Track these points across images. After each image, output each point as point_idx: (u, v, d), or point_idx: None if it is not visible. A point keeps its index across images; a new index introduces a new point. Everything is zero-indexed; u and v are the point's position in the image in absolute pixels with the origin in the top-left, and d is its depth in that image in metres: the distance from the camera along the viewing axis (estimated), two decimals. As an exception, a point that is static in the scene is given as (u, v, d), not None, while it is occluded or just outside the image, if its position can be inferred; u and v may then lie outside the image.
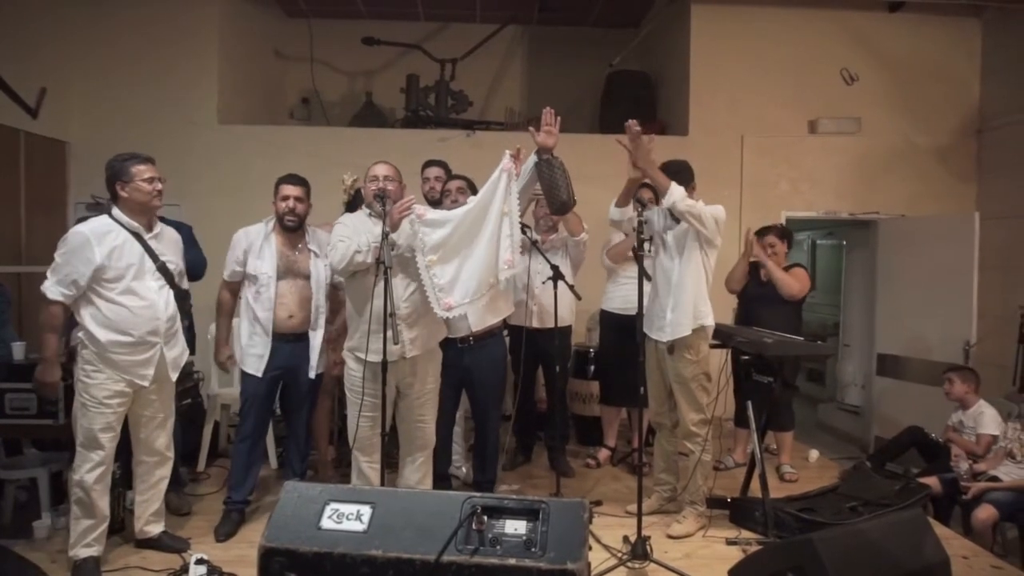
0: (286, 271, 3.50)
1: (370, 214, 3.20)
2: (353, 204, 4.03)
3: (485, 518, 1.71)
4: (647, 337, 3.56)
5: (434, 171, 4.06)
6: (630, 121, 3.29)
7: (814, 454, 4.99)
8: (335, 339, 3.79)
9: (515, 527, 1.72)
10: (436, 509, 1.76)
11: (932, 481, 4.01)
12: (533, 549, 1.67)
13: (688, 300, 3.46)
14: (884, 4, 6.05)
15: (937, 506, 4.06)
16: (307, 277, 3.55)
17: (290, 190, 3.51)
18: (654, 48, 7.00)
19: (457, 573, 1.65)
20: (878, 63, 6.11)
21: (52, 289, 2.88)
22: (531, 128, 3.07)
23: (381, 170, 3.17)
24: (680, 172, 3.50)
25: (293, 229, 3.53)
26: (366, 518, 1.74)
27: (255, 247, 3.49)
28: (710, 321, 3.51)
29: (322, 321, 3.60)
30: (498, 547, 1.68)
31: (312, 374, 3.58)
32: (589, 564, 1.79)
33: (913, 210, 5.95)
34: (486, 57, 6.98)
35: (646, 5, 6.85)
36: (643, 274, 3.28)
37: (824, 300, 7.62)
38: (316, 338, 3.58)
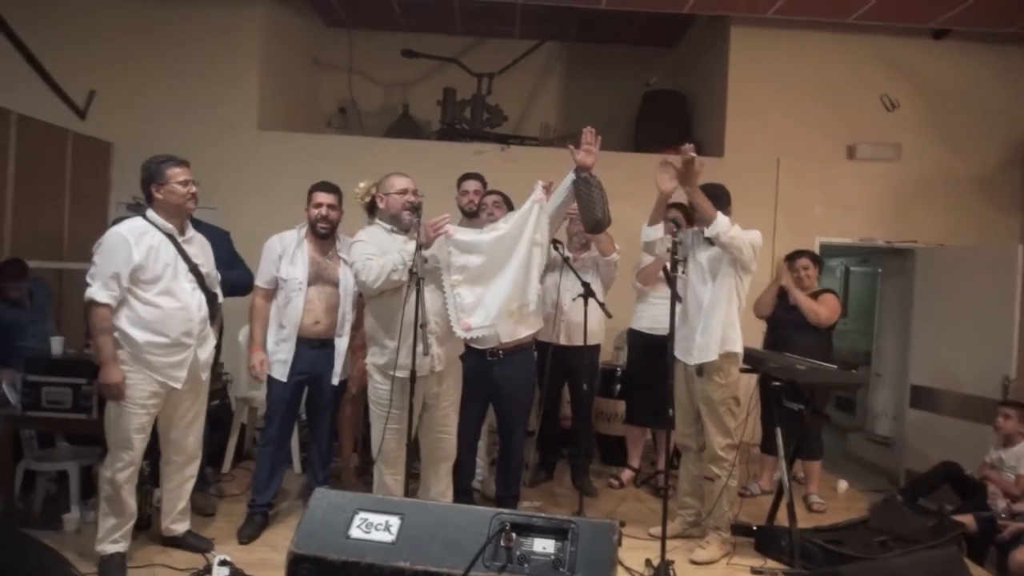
0: (316, 277, 3.54)
1: (391, 229, 3.16)
2: (372, 210, 4.06)
3: (514, 535, 1.70)
4: (676, 359, 3.53)
5: (472, 184, 4.07)
6: (687, 145, 3.29)
7: (843, 485, 4.89)
8: (361, 346, 3.81)
9: (544, 546, 1.70)
10: (465, 524, 1.75)
11: (967, 519, 3.89)
12: (561, 569, 1.65)
13: (717, 325, 3.42)
14: (928, 31, 5.97)
15: (972, 545, 3.93)
16: (336, 284, 3.58)
17: (323, 197, 3.55)
18: (691, 68, 6.98)
19: (484, 589, 1.64)
20: (919, 90, 6.03)
21: (99, 293, 2.91)
22: (571, 146, 3.07)
23: (406, 182, 3.15)
24: (718, 197, 3.47)
25: (325, 236, 3.57)
26: (395, 529, 1.74)
27: (288, 253, 3.53)
28: (738, 348, 3.47)
29: (348, 328, 3.62)
30: (526, 565, 1.67)
31: (336, 380, 3.59)
32: (617, 587, 1.77)
33: (951, 240, 5.84)
34: (523, 73, 7.02)
35: (684, 25, 6.84)
36: (675, 297, 3.25)
37: (856, 328, 7.49)
38: (341, 345, 3.60)
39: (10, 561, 2.29)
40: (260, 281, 3.61)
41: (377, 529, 1.74)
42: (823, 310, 4.33)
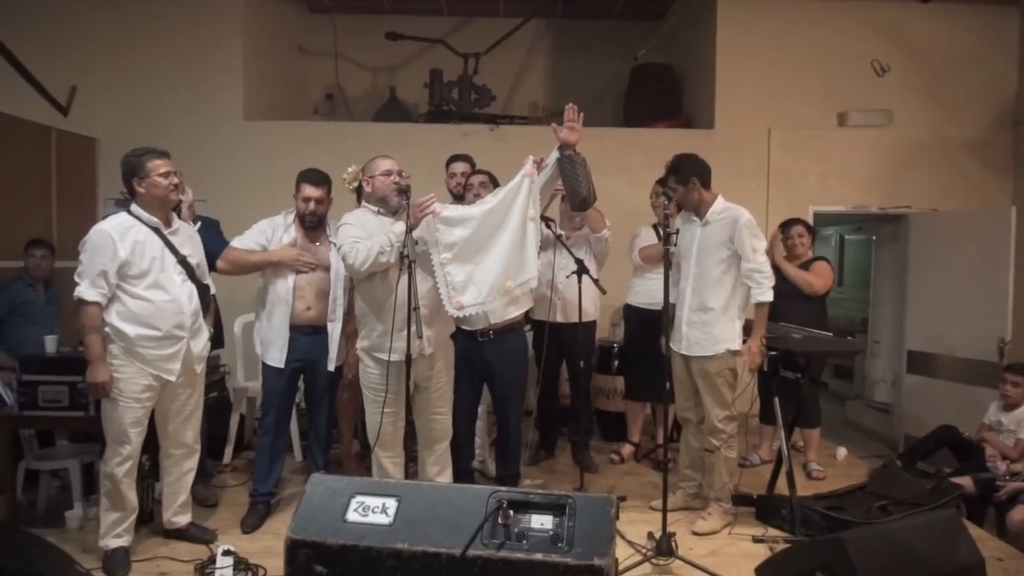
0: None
1: (378, 211, 3.14)
2: (361, 194, 4.04)
3: (511, 512, 1.70)
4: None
5: (460, 166, 4.04)
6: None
7: (842, 452, 4.91)
8: (355, 332, 3.80)
9: (541, 522, 1.70)
10: (462, 503, 1.75)
11: (965, 481, 3.92)
12: (560, 544, 1.65)
13: (712, 321, 3.43)
14: (915, -6, 5.92)
15: (971, 506, 3.96)
16: (326, 269, 3.56)
17: (311, 191, 3.51)
18: (679, 40, 6.91)
19: (483, 567, 1.64)
20: (910, 54, 5.98)
21: (87, 291, 2.89)
22: (554, 125, 3.04)
23: (390, 163, 3.12)
24: (679, 170, 3.47)
25: (313, 228, 3.56)
26: (392, 511, 1.74)
27: (276, 238, 3.51)
28: (736, 346, 3.46)
29: (340, 313, 3.60)
30: (524, 542, 1.67)
31: (331, 366, 3.58)
32: (616, 560, 1.77)
33: (945, 204, 5.82)
34: (509, 51, 6.95)
35: (671, -3, 6.78)
36: (668, 269, 3.24)
37: (852, 296, 7.49)
38: (335, 330, 3.58)
39: (15, 560, 2.30)
40: (240, 244, 3.51)
41: (374, 512, 1.74)
42: (816, 280, 4.33)
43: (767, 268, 3.39)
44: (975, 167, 5.95)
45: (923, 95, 5.97)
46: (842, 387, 7.35)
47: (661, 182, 4.18)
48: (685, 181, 3.48)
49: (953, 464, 4.37)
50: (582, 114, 3.03)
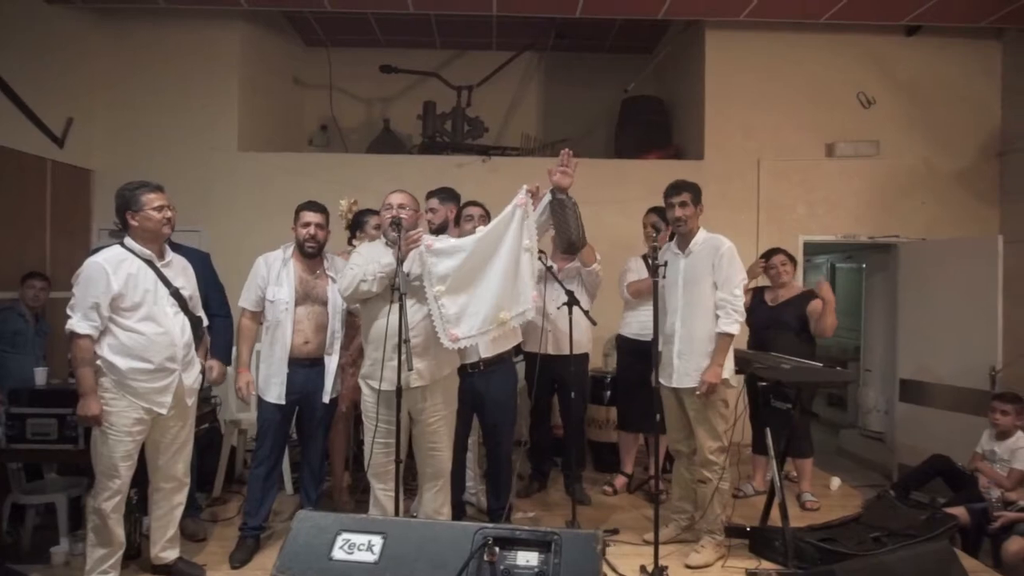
0: (304, 297, 3.53)
1: (387, 243, 3.21)
2: (354, 228, 4.06)
3: (497, 549, 1.69)
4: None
5: (431, 202, 4.04)
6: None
7: (836, 482, 4.90)
8: (350, 364, 3.80)
9: (527, 559, 1.69)
10: (448, 540, 1.74)
11: (960, 511, 3.90)
12: (546, 582, 1.65)
13: (699, 352, 3.43)
14: (901, 28, 6.04)
15: (965, 537, 3.95)
16: (324, 303, 3.57)
17: (311, 216, 3.55)
18: (669, 73, 7.03)
19: (469, 606, 1.63)
20: (896, 86, 6.09)
21: (80, 324, 2.90)
22: (549, 168, 3.09)
23: (396, 199, 3.18)
24: (694, 190, 3.52)
25: (313, 255, 3.57)
26: (377, 549, 1.73)
27: (274, 273, 3.53)
28: (728, 375, 3.46)
29: (337, 346, 3.61)
30: (510, 579, 1.66)
31: (326, 399, 3.59)
32: (603, 597, 1.76)
33: (933, 233, 5.89)
34: (502, 83, 7.06)
35: (660, 31, 6.90)
36: (657, 303, 3.27)
37: (844, 324, 7.50)
38: (331, 363, 3.59)
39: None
40: (246, 303, 3.59)
41: (360, 549, 1.73)
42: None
43: (739, 302, 3.39)
44: (962, 197, 6.02)
45: (910, 126, 6.07)
46: (836, 416, 7.35)
47: (655, 210, 4.24)
48: (697, 202, 3.52)
49: (947, 494, 4.36)
50: (576, 162, 3.08)
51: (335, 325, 3.59)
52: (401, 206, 3.14)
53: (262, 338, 3.59)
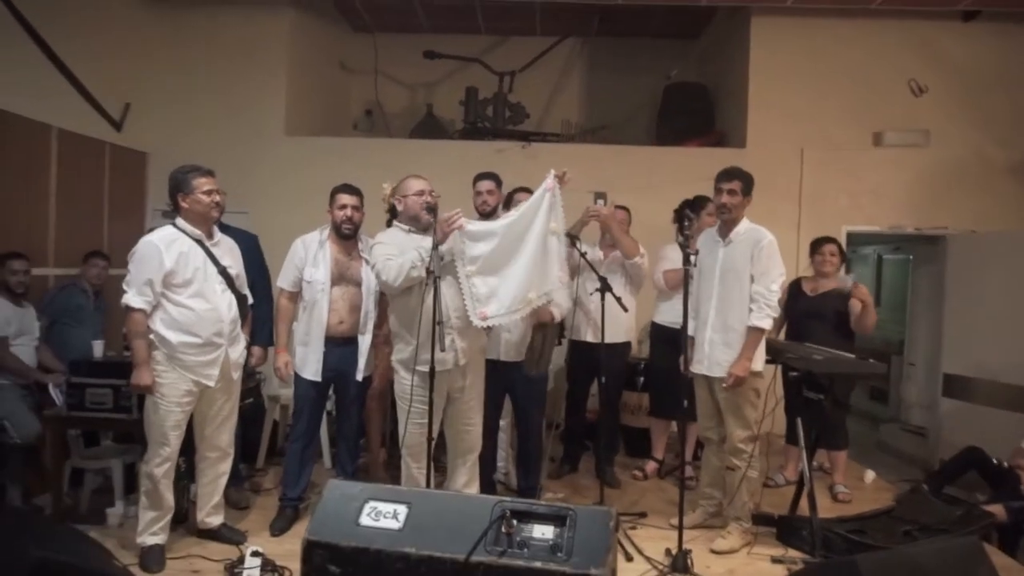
0: (339, 278, 3.63)
1: (409, 230, 3.25)
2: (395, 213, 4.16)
3: (514, 522, 1.77)
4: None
5: (486, 184, 4.10)
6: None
7: (870, 475, 4.84)
8: (385, 342, 3.90)
9: (543, 531, 1.77)
10: (468, 511, 1.83)
11: (997, 509, 3.84)
12: (559, 554, 1.72)
13: (735, 342, 3.44)
14: (957, 13, 5.85)
15: (1003, 535, 3.89)
16: (358, 284, 3.67)
17: (347, 199, 3.65)
18: (713, 59, 6.95)
19: (485, 573, 1.71)
20: (949, 73, 5.91)
21: (134, 299, 3.06)
22: None
23: (422, 184, 3.23)
24: (746, 178, 3.52)
25: (349, 237, 3.67)
26: (402, 517, 1.83)
27: (311, 255, 3.63)
28: (759, 367, 3.48)
29: (370, 326, 3.71)
30: (525, 550, 1.74)
31: (360, 376, 3.69)
32: (614, 571, 1.82)
33: (983, 226, 5.73)
34: (544, 69, 7.08)
35: (706, 17, 6.81)
36: (687, 294, 3.30)
37: (889, 317, 7.37)
38: (364, 343, 3.69)
39: (61, 553, 2.44)
40: (284, 283, 3.71)
41: (385, 517, 1.83)
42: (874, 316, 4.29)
43: (773, 298, 3.39)
44: (1015, 188, 5.84)
45: (962, 115, 5.89)
46: (877, 409, 7.23)
47: (689, 205, 4.24)
48: (747, 193, 3.51)
49: (987, 491, 4.28)
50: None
51: (368, 305, 3.69)
52: (431, 192, 3.21)
53: (299, 317, 3.71)
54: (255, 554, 3.07)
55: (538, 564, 1.70)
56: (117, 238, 5.50)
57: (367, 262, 3.66)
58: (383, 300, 3.82)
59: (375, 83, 7.22)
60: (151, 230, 3.33)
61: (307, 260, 3.63)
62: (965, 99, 5.90)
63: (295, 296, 3.70)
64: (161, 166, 5.92)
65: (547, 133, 6.70)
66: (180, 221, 3.21)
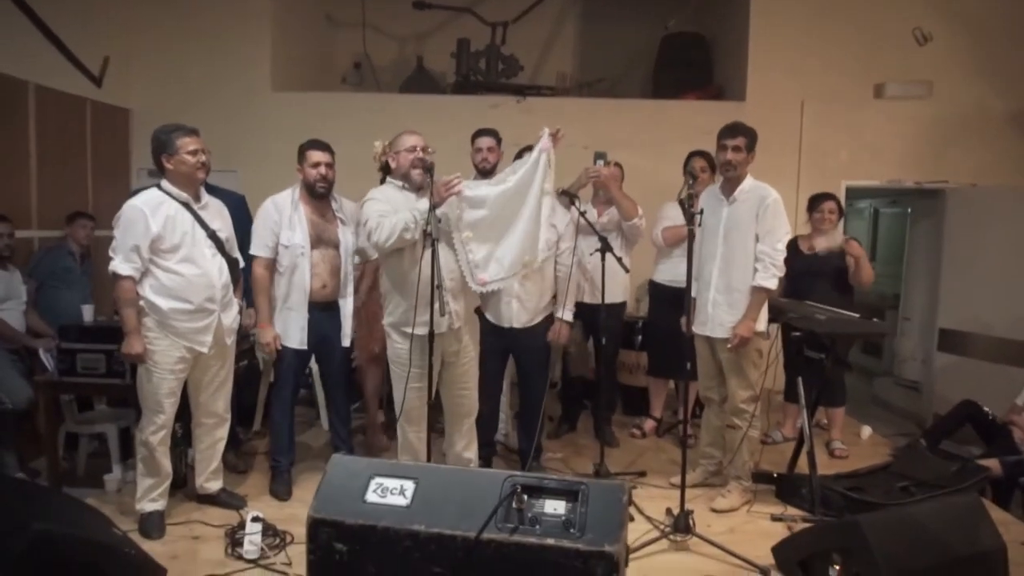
0: (317, 240, 3.47)
1: (403, 186, 3.14)
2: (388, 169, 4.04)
3: (525, 497, 1.74)
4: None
5: (486, 141, 3.96)
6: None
7: (866, 431, 4.88)
8: (360, 308, 3.82)
9: (555, 507, 1.74)
10: (478, 486, 1.79)
11: (992, 463, 3.88)
12: (572, 530, 1.69)
13: (739, 302, 3.40)
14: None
15: (997, 489, 3.93)
16: (336, 246, 3.52)
17: (320, 156, 3.44)
18: (711, 9, 6.73)
19: (497, 550, 1.68)
20: (955, 22, 5.76)
21: (121, 266, 2.97)
22: None
23: (416, 139, 3.09)
24: (749, 134, 3.43)
25: (323, 196, 3.49)
26: (409, 493, 1.79)
27: (285, 217, 3.44)
28: (762, 327, 3.44)
29: (351, 289, 3.61)
30: (537, 526, 1.71)
31: (346, 342, 3.60)
32: (627, 547, 1.81)
33: (984, 180, 5.66)
34: (538, 20, 6.86)
35: (705, -37, 6.59)
36: (691, 251, 3.23)
37: (885, 271, 7.35)
38: (347, 306, 3.58)
39: (56, 524, 2.40)
40: (260, 250, 3.44)
41: (392, 493, 1.80)
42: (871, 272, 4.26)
43: (779, 257, 3.34)
44: (1016, 142, 5.76)
45: (966, 66, 5.77)
46: (870, 363, 7.28)
47: (702, 154, 4.16)
48: (751, 149, 3.42)
49: (982, 446, 4.32)
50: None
51: (347, 267, 3.57)
52: (424, 148, 3.08)
53: (277, 283, 3.50)
54: (255, 519, 3.04)
55: (551, 541, 1.67)
56: (102, 198, 5.36)
57: (342, 223, 3.55)
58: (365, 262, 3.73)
59: (363, 35, 6.98)
60: (136, 191, 3.21)
61: (282, 223, 3.44)
62: (970, 49, 5.77)
63: (271, 264, 3.46)
64: (144, 122, 5.74)
65: (542, 87, 6.52)
66: (165, 183, 3.09)
